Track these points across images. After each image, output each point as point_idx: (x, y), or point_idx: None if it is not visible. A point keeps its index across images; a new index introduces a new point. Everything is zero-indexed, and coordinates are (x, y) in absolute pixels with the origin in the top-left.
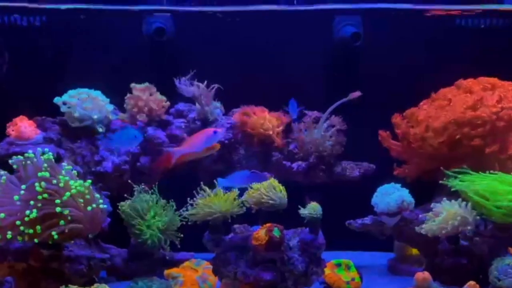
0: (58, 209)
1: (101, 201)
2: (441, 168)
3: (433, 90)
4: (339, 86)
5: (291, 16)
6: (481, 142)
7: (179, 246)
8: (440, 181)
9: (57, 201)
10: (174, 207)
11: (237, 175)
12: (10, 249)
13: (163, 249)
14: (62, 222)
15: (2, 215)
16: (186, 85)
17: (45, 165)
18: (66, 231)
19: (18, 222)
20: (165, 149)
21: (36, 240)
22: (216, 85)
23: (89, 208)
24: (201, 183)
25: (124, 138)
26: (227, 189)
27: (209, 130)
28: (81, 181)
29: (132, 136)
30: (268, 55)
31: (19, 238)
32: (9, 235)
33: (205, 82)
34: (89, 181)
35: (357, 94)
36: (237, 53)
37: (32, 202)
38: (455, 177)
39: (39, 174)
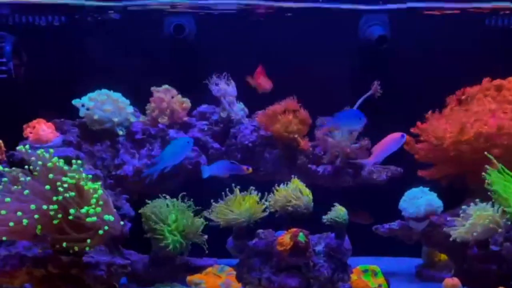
0: (90, 219)
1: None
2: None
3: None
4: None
5: (317, 13)
6: None
7: (207, 251)
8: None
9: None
10: (193, 210)
11: (218, 164)
12: (29, 256)
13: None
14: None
15: (33, 206)
16: (215, 85)
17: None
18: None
19: (44, 207)
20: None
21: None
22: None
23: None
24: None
25: (179, 150)
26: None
27: (396, 135)
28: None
29: (185, 143)
30: (293, 54)
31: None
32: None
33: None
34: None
35: (375, 87)
36: (260, 52)
37: (54, 198)
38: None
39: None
